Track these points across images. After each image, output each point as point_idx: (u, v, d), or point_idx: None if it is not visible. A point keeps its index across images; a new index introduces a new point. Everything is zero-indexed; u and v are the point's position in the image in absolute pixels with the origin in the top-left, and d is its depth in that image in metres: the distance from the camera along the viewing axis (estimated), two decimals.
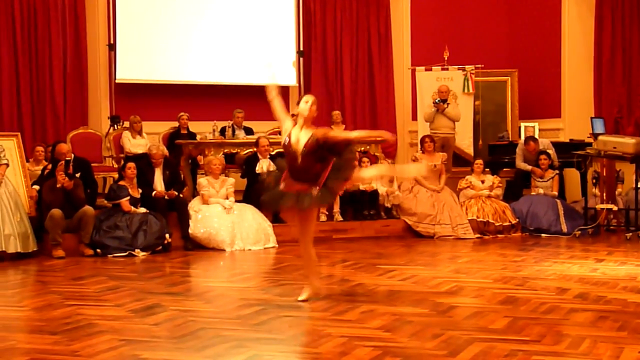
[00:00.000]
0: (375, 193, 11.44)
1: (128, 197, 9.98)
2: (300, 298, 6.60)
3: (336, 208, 11.26)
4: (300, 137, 6.42)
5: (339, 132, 6.40)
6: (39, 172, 10.40)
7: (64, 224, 9.59)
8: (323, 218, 11.21)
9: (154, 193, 10.26)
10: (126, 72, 13.07)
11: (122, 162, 11.33)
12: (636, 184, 10.90)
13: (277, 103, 6.71)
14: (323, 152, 6.38)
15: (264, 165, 10.87)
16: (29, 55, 12.52)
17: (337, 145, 6.46)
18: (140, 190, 10.19)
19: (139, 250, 9.66)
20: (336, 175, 6.44)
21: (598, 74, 13.76)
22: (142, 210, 10.05)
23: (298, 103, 6.65)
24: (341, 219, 11.28)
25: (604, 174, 11.42)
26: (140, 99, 13.18)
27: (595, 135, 12.05)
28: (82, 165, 10.26)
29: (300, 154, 6.37)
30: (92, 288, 7.40)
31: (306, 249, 6.63)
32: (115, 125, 12.38)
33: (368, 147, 11.87)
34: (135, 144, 11.80)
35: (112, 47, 13.01)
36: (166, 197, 10.28)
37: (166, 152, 11.01)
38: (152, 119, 12.68)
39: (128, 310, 6.32)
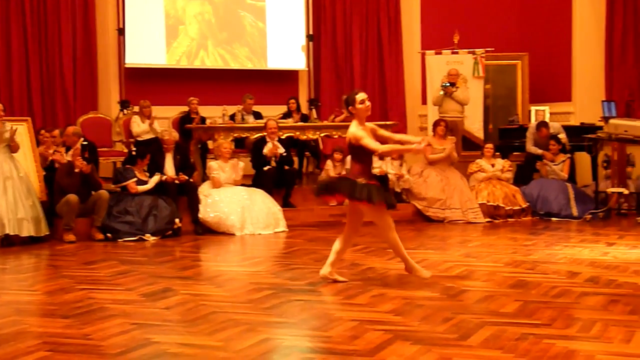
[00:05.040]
0: (385, 177, 11.41)
1: (135, 179, 10.01)
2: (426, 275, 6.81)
3: None
4: (369, 134, 6.59)
5: (369, 140, 6.47)
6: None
7: (78, 209, 9.62)
8: (333, 202, 11.18)
9: (164, 177, 10.26)
10: (136, 57, 13.06)
11: (132, 146, 11.35)
12: None
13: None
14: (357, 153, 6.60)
15: (270, 148, 10.85)
16: (39, 40, 12.52)
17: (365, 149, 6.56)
18: (148, 174, 10.21)
19: (149, 234, 9.69)
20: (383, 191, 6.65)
21: (609, 57, 13.69)
22: (155, 179, 10.08)
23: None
24: None
25: (615, 158, 11.36)
26: (150, 84, 13.19)
27: (606, 119, 11.99)
28: (89, 149, 10.28)
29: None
30: (103, 272, 7.43)
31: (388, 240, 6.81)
32: (125, 110, 12.40)
33: None
34: (144, 128, 11.82)
35: (121, 32, 12.99)
36: (176, 181, 10.29)
37: (178, 137, 11.01)
38: (162, 104, 12.69)
39: (139, 294, 6.35)
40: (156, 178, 10.12)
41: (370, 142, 6.47)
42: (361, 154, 6.59)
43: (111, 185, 10.21)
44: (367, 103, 6.59)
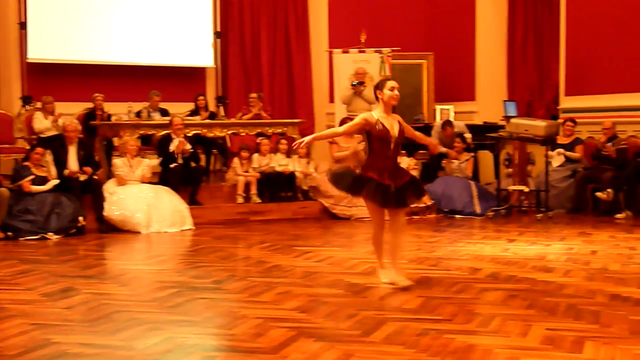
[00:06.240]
0: (292, 175, 11.46)
1: (31, 177, 9.77)
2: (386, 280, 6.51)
3: (253, 190, 11.25)
4: (392, 124, 6.37)
5: (343, 126, 6.60)
6: None
7: None
8: (240, 200, 11.19)
9: (66, 172, 10.05)
10: (38, 52, 12.76)
11: (35, 143, 11.07)
12: (546, 166, 11.18)
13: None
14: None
15: (177, 144, 10.77)
16: None
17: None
18: (47, 170, 10.00)
19: (52, 233, 9.49)
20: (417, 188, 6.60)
21: (511, 58, 14.04)
22: (54, 182, 9.86)
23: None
24: (259, 201, 11.27)
25: (516, 156, 11.66)
26: (53, 79, 12.91)
27: (507, 118, 12.30)
28: None
29: (394, 142, 6.32)
30: (2, 272, 7.24)
31: (397, 237, 6.55)
32: (27, 106, 12.12)
33: (285, 129, 11.87)
34: (47, 125, 11.55)
35: (23, 26, 12.67)
36: (80, 176, 10.09)
37: (80, 127, 10.77)
38: (66, 100, 12.42)
39: (40, 294, 6.22)
40: (55, 182, 9.90)
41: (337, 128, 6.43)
42: (369, 142, 6.43)
43: (10, 184, 9.95)
44: (397, 92, 6.39)
